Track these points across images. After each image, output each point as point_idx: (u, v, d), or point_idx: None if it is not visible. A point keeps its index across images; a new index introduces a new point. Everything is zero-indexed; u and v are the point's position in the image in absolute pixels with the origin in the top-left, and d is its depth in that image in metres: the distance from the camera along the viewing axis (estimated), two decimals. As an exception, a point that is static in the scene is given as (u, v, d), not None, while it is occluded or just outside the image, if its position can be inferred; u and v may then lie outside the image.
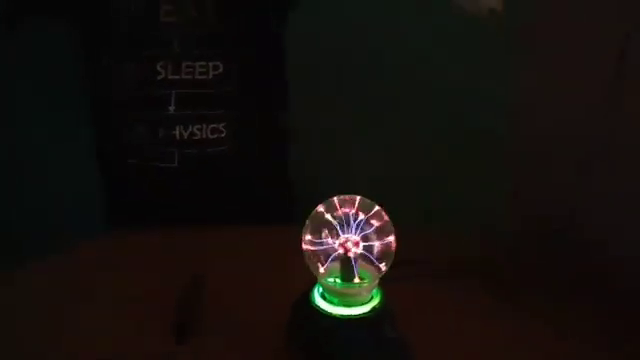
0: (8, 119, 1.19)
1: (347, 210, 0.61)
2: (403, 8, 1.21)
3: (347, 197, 0.62)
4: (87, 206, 1.08)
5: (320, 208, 0.62)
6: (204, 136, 0.95)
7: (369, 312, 0.60)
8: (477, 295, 0.77)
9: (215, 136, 0.90)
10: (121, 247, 0.87)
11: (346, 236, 0.61)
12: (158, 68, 0.90)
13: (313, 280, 0.63)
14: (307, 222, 0.62)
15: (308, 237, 0.61)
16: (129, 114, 0.95)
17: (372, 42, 1.19)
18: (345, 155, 1.16)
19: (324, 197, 0.63)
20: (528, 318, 0.74)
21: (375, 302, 0.61)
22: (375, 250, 0.60)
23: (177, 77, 0.91)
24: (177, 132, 0.95)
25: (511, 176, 1.16)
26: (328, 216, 0.61)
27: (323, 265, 0.60)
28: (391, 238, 0.60)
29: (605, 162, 1.06)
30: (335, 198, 0.62)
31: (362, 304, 0.60)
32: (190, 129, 0.94)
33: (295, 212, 0.83)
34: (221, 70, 0.92)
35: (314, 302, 0.61)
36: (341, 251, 0.60)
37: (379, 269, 0.60)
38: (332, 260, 0.61)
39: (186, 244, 0.85)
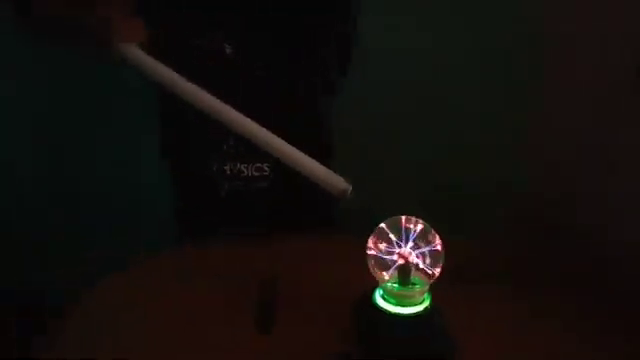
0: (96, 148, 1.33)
1: (406, 226, 0.74)
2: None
3: (408, 216, 0.75)
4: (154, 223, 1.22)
5: (383, 225, 0.75)
6: (249, 174, 1.08)
7: (422, 311, 0.74)
8: (506, 297, 0.90)
9: (259, 174, 1.00)
10: (188, 259, 0.99)
11: (404, 249, 0.74)
12: None
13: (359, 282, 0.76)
14: (371, 236, 0.75)
15: (372, 248, 0.75)
16: (192, 149, 1.08)
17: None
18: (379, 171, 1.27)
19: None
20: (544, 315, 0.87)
21: (426, 303, 0.75)
22: (427, 261, 0.74)
23: None
24: (228, 167, 1.08)
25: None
26: (390, 231, 0.75)
27: (386, 272, 0.74)
28: (441, 253, 0.74)
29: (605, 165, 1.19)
30: (401, 217, 0.75)
31: (415, 305, 0.74)
32: (238, 166, 1.08)
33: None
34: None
35: (375, 302, 0.75)
36: (400, 261, 0.74)
37: (430, 276, 0.74)
38: (392, 268, 0.74)
39: (249, 253, 0.97)
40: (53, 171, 1.73)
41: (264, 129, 0.83)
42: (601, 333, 0.83)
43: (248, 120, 0.82)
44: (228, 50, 1.00)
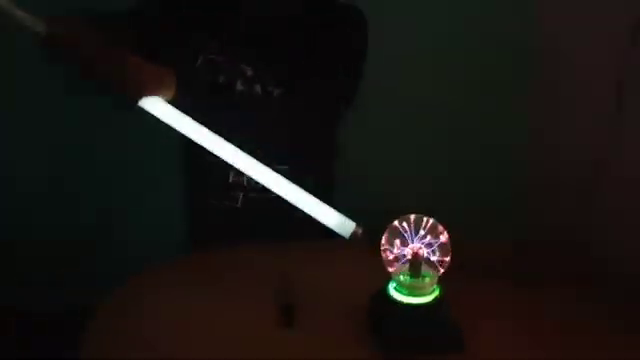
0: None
1: (416, 223, 0.82)
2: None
3: (417, 214, 0.82)
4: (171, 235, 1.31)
5: (395, 223, 0.82)
6: None
7: (431, 301, 0.81)
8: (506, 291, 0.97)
9: None
10: (203, 265, 1.04)
11: (415, 244, 0.81)
12: None
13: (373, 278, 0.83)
14: (385, 234, 0.83)
15: (386, 244, 0.82)
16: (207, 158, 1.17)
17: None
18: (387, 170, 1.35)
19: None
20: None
21: (436, 293, 0.82)
22: (436, 254, 0.81)
23: None
24: (245, 179, 1.17)
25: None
26: (401, 229, 0.82)
27: (398, 265, 0.82)
28: (448, 247, 0.81)
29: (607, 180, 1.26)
30: (410, 215, 0.82)
31: (426, 295, 0.81)
32: None
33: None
34: None
35: (389, 293, 0.82)
36: (410, 256, 0.81)
37: (438, 270, 0.81)
38: (404, 262, 0.82)
39: (264, 259, 1.04)
40: (69, 181, 1.82)
41: (275, 174, 0.96)
42: (603, 332, 0.88)
43: (261, 166, 0.96)
44: (249, 72, 1.14)
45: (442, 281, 0.83)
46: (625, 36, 1.16)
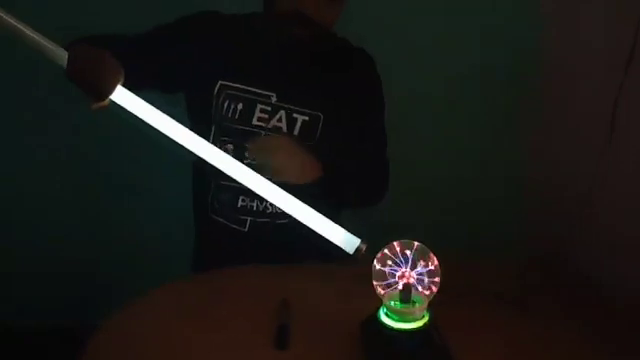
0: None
1: (405, 251, 0.84)
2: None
3: (405, 241, 0.85)
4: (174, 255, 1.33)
5: (385, 250, 0.85)
6: (274, 210, 1.20)
7: (421, 326, 0.83)
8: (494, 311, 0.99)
9: (282, 211, 1.04)
10: (206, 286, 1.08)
11: (403, 270, 0.84)
12: (246, 154, 1.16)
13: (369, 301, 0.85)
14: (374, 261, 0.85)
15: (376, 271, 0.84)
16: (220, 182, 1.20)
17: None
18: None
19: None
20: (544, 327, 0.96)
21: (425, 319, 0.84)
22: (425, 281, 0.84)
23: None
24: (255, 204, 1.21)
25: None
26: (390, 256, 0.84)
27: (389, 292, 0.84)
28: (437, 274, 0.83)
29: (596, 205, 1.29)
30: (395, 242, 0.85)
31: (416, 320, 0.83)
32: (264, 203, 1.21)
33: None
34: None
35: (380, 318, 0.84)
36: (400, 282, 0.84)
37: (427, 295, 0.84)
38: (394, 289, 0.84)
39: (265, 280, 1.07)
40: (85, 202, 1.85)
41: (281, 190, 0.98)
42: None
43: (269, 183, 0.98)
44: (274, 99, 1.19)
45: (432, 305, 0.85)
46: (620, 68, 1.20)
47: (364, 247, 0.95)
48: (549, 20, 1.55)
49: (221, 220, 1.25)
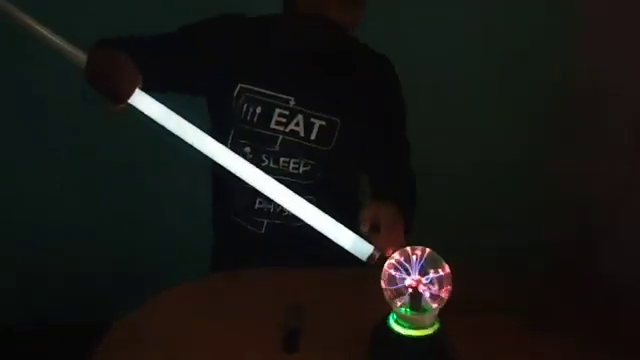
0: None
1: (415, 257, 0.83)
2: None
3: (416, 247, 0.84)
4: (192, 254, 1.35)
5: (396, 256, 0.84)
6: (290, 213, 1.18)
7: (431, 334, 0.82)
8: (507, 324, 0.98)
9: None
10: (219, 288, 1.08)
11: (414, 277, 0.83)
12: (263, 157, 1.18)
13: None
14: (385, 267, 0.85)
15: (386, 278, 0.84)
16: (238, 184, 1.21)
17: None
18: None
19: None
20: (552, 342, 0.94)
21: (436, 327, 0.83)
22: (435, 287, 0.83)
23: (276, 167, 1.20)
24: (272, 206, 1.22)
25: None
26: (401, 261, 0.84)
27: (399, 299, 0.83)
28: (448, 279, 0.83)
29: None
30: (407, 248, 0.84)
31: (426, 328, 0.83)
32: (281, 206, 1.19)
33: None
34: (309, 168, 1.20)
35: (390, 325, 0.84)
36: (411, 289, 0.83)
37: (437, 302, 0.83)
38: (404, 296, 0.83)
39: (280, 284, 1.07)
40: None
41: (296, 196, 1.00)
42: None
43: (283, 189, 1.00)
44: (292, 102, 1.20)
45: (443, 312, 0.84)
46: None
47: (377, 254, 0.95)
48: (579, 25, 1.53)
49: (239, 222, 1.26)
